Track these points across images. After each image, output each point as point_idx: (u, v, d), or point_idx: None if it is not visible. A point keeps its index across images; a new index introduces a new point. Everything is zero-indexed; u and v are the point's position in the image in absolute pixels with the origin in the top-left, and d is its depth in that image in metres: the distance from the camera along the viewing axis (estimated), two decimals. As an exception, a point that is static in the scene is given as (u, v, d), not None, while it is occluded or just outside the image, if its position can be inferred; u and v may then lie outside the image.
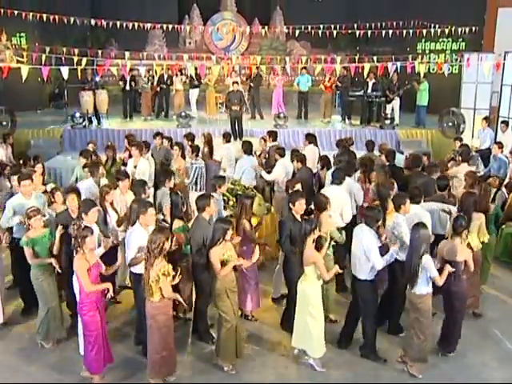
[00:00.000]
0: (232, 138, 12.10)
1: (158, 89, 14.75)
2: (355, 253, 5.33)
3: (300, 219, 5.69)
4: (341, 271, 5.45)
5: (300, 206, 5.66)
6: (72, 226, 5.13)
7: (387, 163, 8.31)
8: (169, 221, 6.08)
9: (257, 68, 15.02)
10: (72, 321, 5.86)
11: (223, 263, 5.08)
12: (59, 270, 5.48)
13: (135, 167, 8.24)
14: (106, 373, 5.08)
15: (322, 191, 6.62)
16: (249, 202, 6.07)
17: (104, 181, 7.22)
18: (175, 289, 5.06)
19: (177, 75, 14.82)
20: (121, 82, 14.27)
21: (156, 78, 14.54)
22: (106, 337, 5.05)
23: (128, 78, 14.12)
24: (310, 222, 5.30)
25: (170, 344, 4.93)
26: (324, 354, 5.27)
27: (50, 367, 5.32)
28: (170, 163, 8.99)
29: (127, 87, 14.40)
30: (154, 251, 4.66)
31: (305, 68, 14.81)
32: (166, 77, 14.50)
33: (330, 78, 14.69)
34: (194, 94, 15.08)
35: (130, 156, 8.71)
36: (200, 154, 8.80)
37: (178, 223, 5.92)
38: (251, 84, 14.83)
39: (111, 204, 6.32)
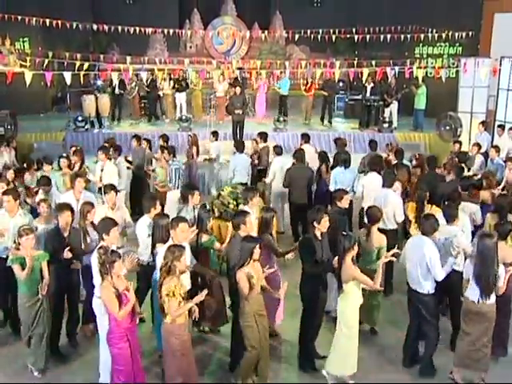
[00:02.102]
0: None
1: (142, 93, 14.89)
2: (414, 265, 5.11)
3: (320, 237, 5.31)
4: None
5: (325, 224, 5.25)
6: (97, 250, 4.63)
7: (395, 161, 8.63)
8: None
9: (239, 71, 15.18)
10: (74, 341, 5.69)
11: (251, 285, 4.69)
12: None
13: (102, 171, 8.27)
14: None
15: (376, 196, 6.62)
16: (269, 215, 5.65)
17: (89, 194, 6.94)
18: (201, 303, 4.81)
19: (165, 80, 14.90)
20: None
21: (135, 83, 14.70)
22: (139, 369, 4.64)
23: (116, 83, 14.10)
24: (349, 239, 4.95)
25: (185, 370, 4.52)
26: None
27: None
28: (141, 165, 9.20)
29: (116, 91, 14.42)
30: (162, 269, 4.43)
31: (283, 72, 14.93)
32: (149, 81, 14.54)
33: (311, 83, 14.75)
34: (180, 97, 15.10)
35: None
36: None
37: (206, 237, 5.66)
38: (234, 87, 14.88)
39: (92, 223, 5.69)
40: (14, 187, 6.81)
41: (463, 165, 8.61)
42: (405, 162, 9.06)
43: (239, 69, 15.45)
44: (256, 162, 9.49)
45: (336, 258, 5.08)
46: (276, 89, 15.38)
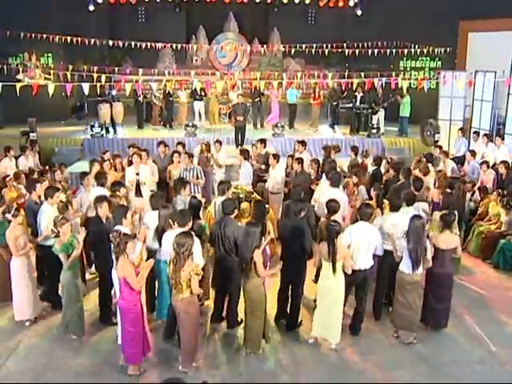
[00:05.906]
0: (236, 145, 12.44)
1: (164, 102, 15.02)
2: (362, 247, 5.42)
3: None
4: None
5: None
6: (112, 233, 4.84)
7: (375, 167, 8.71)
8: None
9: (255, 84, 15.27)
10: (102, 313, 5.86)
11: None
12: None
13: (137, 174, 8.30)
14: (142, 365, 4.98)
15: (328, 195, 6.63)
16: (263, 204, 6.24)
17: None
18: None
19: (183, 89, 15.02)
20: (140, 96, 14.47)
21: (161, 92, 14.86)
22: (146, 330, 4.98)
23: (140, 93, 14.21)
24: (338, 225, 5.25)
25: (198, 332, 5.02)
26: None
27: (88, 357, 5.22)
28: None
29: (140, 100, 14.58)
30: (184, 254, 4.59)
31: (291, 83, 15.06)
32: (170, 91, 14.75)
33: (318, 92, 14.99)
34: (196, 106, 15.29)
35: (130, 164, 8.74)
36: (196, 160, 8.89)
37: (200, 223, 5.92)
38: (252, 97, 15.00)
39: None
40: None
41: (430, 164, 8.79)
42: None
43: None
44: (262, 166, 9.18)
45: (323, 242, 5.27)
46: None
